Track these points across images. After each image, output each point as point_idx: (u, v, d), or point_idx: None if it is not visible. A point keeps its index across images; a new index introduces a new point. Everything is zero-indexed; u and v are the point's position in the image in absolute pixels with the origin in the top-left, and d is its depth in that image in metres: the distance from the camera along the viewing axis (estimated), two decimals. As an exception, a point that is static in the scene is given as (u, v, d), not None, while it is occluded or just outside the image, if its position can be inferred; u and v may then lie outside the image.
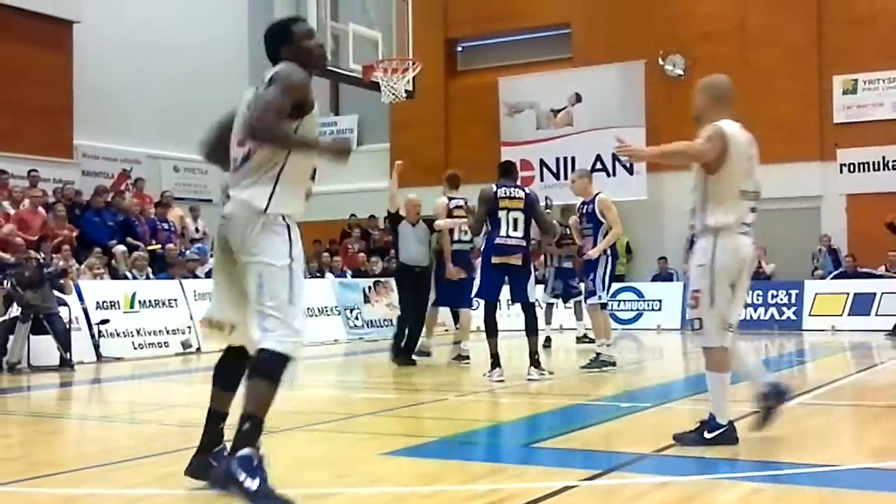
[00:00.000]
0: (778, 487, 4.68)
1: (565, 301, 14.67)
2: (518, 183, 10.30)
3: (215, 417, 4.72)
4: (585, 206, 10.91)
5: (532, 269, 10.35)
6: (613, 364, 10.71)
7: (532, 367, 9.73)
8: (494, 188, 9.88)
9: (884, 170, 19.58)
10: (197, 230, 18.53)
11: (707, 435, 5.62)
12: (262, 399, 4.26)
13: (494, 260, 9.79)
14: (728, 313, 5.66)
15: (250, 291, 4.38)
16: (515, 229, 9.84)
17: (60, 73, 18.71)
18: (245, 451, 4.18)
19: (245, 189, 4.44)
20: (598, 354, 10.77)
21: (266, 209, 4.38)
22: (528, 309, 9.91)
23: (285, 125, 4.35)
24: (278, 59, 4.59)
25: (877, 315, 17.62)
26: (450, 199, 11.91)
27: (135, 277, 14.68)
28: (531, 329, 9.83)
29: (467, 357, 11.73)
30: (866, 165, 19.73)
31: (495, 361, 9.66)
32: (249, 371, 4.35)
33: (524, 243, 9.89)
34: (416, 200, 12.01)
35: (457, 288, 11.65)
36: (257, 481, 4.13)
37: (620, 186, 19.34)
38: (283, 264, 4.35)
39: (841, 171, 19.87)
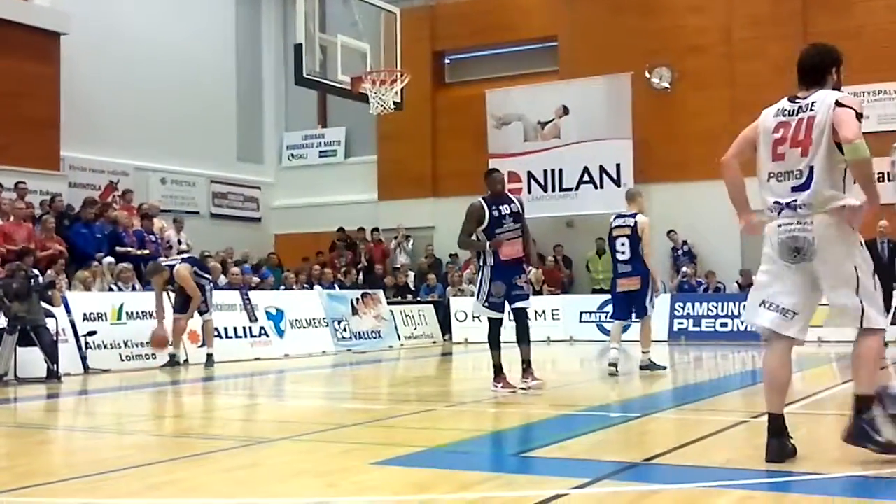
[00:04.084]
0: (768, 495, 4.69)
1: None
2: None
3: None
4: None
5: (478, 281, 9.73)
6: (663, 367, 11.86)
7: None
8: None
9: (869, 182, 19.61)
10: (179, 242, 18.10)
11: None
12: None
13: None
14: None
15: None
16: None
17: (48, 84, 18.64)
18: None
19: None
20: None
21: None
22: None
23: None
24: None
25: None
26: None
27: (120, 290, 14.63)
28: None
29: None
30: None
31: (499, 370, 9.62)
32: None
33: None
34: None
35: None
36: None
37: (608, 199, 19.39)
38: None
39: (828, 184, 19.89)
